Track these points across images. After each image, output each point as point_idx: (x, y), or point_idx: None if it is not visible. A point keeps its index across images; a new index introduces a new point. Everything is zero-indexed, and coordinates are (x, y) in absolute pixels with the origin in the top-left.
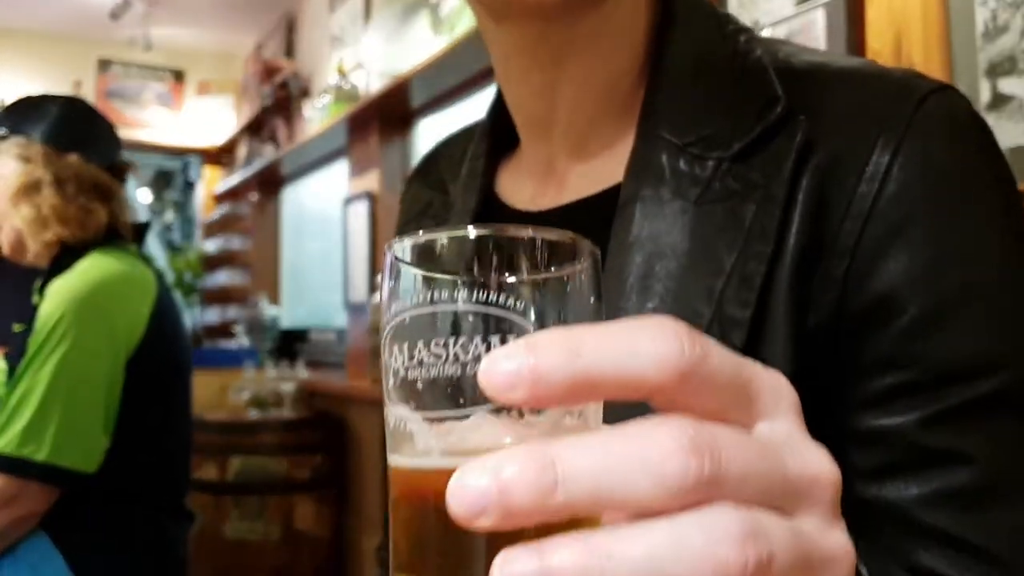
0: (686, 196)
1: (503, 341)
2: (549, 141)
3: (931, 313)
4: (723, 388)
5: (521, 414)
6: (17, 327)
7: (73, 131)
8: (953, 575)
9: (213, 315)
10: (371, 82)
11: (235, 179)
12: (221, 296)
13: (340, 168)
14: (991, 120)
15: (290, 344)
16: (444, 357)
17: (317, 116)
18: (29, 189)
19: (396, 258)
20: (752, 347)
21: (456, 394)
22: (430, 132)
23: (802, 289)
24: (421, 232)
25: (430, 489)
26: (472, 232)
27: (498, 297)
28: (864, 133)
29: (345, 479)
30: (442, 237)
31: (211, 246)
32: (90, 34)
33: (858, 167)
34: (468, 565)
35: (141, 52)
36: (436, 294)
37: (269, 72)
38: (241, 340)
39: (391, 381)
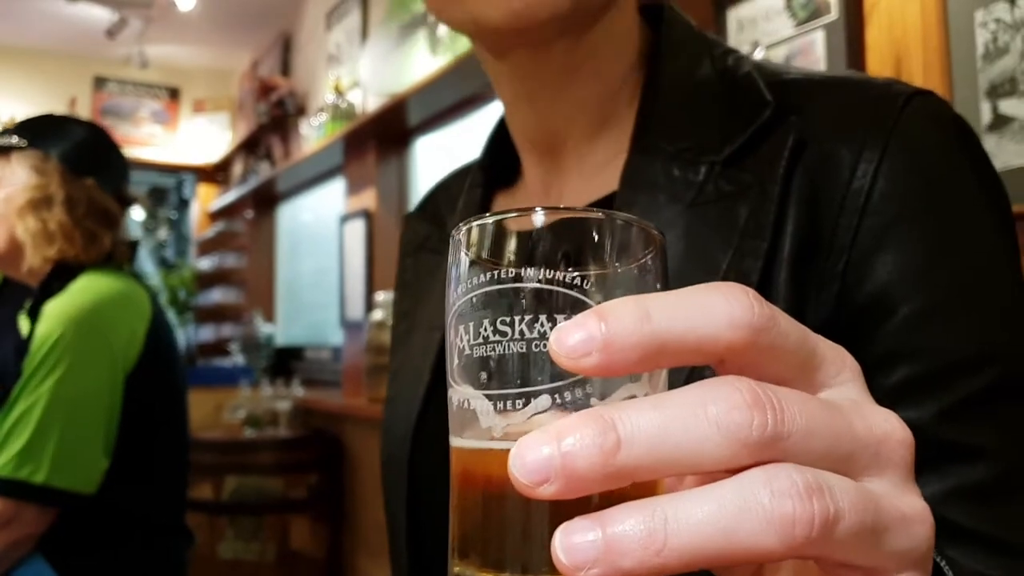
0: (681, 200)
1: (568, 319)
2: (552, 161)
3: (930, 305)
4: (790, 353)
5: (587, 394)
6: None
7: (92, 156)
8: (976, 568)
9: (207, 333)
10: (368, 101)
11: (230, 196)
12: (215, 314)
13: (336, 186)
14: (992, 141)
15: (285, 362)
16: (510, 335)
17: (313, 134)
18: (39, 203)
19: (463, 239)
20: None
21: (522, 372)
22: (427, 151)
23: (801, 285)
24: (488, 214)
25: (493, 469)
26: (540, 212)
27: (564, 276)
28: (852, 133)
29: (341, 498)
30: (510, 217)
31: (205, 264)
32: (86, 51)
33: (850, 165)
34: (531, 542)
35: (137, 70)
36: (503, 273)
37: (265, 90)
38: (236, 358)
39: (456, 361)
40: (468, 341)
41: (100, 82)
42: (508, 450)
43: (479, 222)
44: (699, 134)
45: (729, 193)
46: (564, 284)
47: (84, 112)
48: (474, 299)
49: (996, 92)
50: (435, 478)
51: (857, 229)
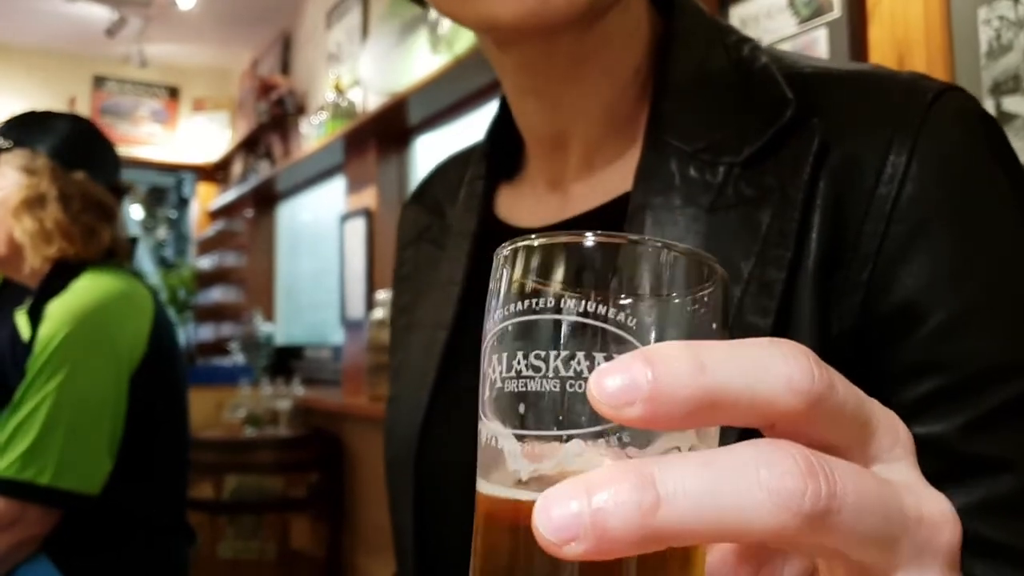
0: (698, 203)
1: (608, 359)
2: (559, 157)
3: (959, 315)
4: (846, 422)
5: (623, 443)
6: None
7: (80, 149)
8: None
9: (207, 332)
10: (368, 99)
11: (230, 195)
12: (215, 313)
13: (336, 185)
14: None
15: (285, 361)
16: (544, 371)
17: (314, 133)
18: (33, 202)
19: (505, 261)
20: None
21: (554, 413)
22: (428, 149)
23: (825, 294)
24: (534, 236)
25: (518, 519)
26: (591, 238)
27: (607, 310)
28: (878, 134)
29: (341, 497)
30: (559, 240)
31: (205, 263)
32: (85, 51)
33: (875, 168)
34: None
35: (136, 69)
36: (542, 302)
37: (265, 89)
38: (236, 357)
39: (487, 392)
40: (500, 373)
41: (99, 81)
42: (534, 501)
43: (523, 243)
44: (716, 133)
45: (750, 198)
46: (606, 319)
47: (84, 111)
48: (510, 327)
49: (1000, 89)
50: (441, 480)
51: (883, 236)
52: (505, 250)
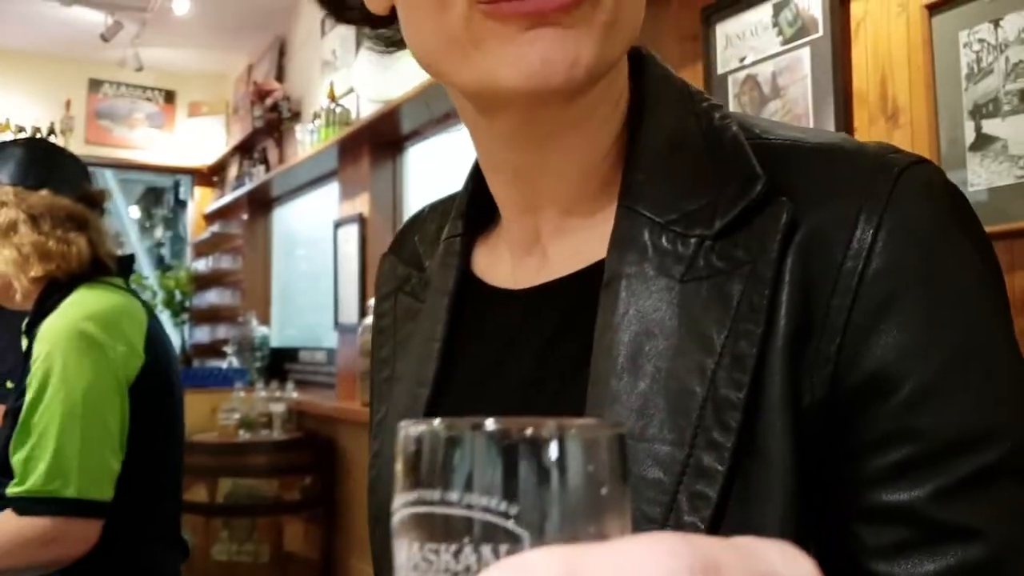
0: (670, 273)
1: (495, 552)
2: (531, 219)
3: (927, 386)
4: None
5: None
6: (9, 384)
7: (39, 168)
8: None
9: (202, 334)
10: (362, 107)
11: (226, 199)
12: (211, 315)
13: (330, 191)
14: (976, 160)
15: (279, 364)
16: (435, 564)
17: (308, 139)
18: (6, 230)
19: (403, 444)
20: (748, 427)
21: None
22: (421, 157)
23: (795, 367)
24: (437, 420)
25: None
26: (489, 424)
27: (491, 502)
28: (845, 208)
29: (334, 500)
30: (453, 431)
31: (201, 265)
32: (81, 54)
33: (842, 242)
34: None
35: (132, 72)
36: (430, 494)
37: (260, 94)
38: (231, 360)
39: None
40: (402, 562)
41: (95, 84)
42: None
43: (415, 429)
44: (687, 205)
45: (721, 269)
46: (491, 511)
47: (79, 114)
48: (405, 517)
49: (980, 112)
50: None
51: (851, 310)
52: (403, 432)
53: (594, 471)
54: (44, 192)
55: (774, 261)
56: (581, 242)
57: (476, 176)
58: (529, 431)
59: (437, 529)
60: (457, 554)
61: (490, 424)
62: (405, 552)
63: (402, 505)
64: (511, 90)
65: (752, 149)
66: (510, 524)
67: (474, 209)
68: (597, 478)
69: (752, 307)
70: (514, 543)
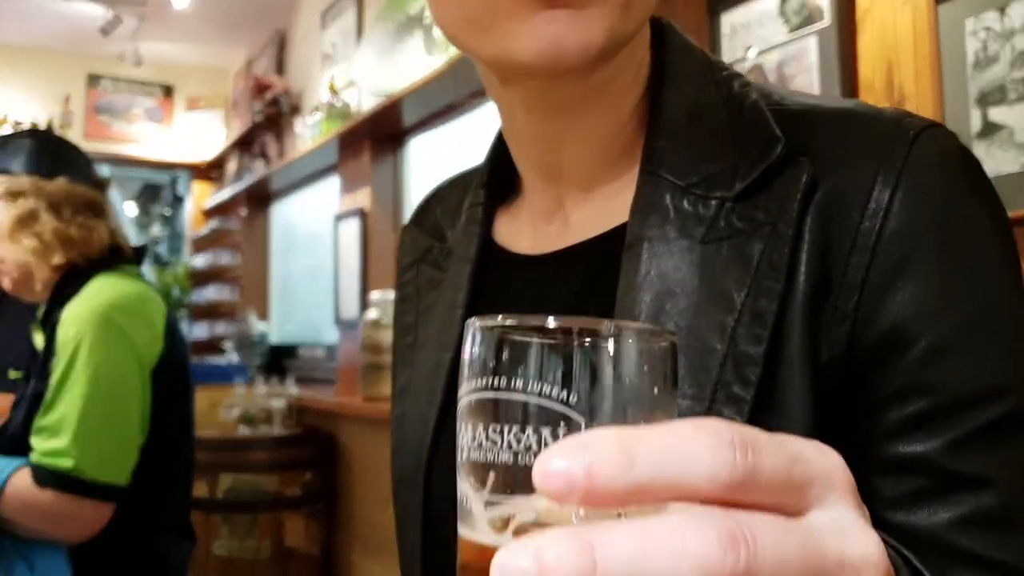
0: (691, 235)
1: (554, 434)
2: (555, 186)
3: (942, 342)
4: (774, 490)
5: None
6: (14, 374)
7: (52, 157)
8: None
9: (202, 331)
10: (363, 100)
11: (225, 194)
12: (209, 312)
13: (330, 185)
14: (982, 148)
15: (279, 360)
16: (499, 444)
17: (308, 133)
18: (27, 220)
19: (471, 336)
20: (768, 382)
21: (509, 482)
22: (422, 151)
23: (814, 324)
24: (500, 317)
25: (484, 566)
26: (549, 323)
27: (552, 390)
28: (862, 170)
29: (335, 495)
30: (518, 321)
31: (199, 261)
32: (80, 49)
33: (860, 203)
34: None
35: (131, 67)
36: (496, 381)
37: (260, 88)
38: (230, 356)
39: (459, 456)
40: (467, 441)
41: (94, 79)
42: (496, 549)
43: (489, 323)
44: (708, 168)
45: (742, 230)
46: (551, 398)
47: (78, 109)
48: (472, 402)
49: (986, 100)
50: (450, 500)
51: (869, 268)
52: (472, 326)
53: (647, 370)
54: (61, 180)
55: (794, 220)
56: (603, 208)
57: (498, 147)
58: (588, 328)
59: (501, 413)
60: (519, 435)
61: (552, 322)
62: (470, 433)
63: (469, 391)
64: (526, 64)
65: (772, 115)
66: (568, 410)
67: (495, 180)
68: (649, 376)
69: (772, 265)
70: (571, 428)
